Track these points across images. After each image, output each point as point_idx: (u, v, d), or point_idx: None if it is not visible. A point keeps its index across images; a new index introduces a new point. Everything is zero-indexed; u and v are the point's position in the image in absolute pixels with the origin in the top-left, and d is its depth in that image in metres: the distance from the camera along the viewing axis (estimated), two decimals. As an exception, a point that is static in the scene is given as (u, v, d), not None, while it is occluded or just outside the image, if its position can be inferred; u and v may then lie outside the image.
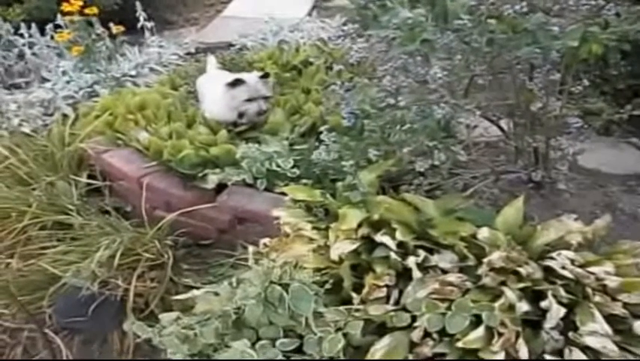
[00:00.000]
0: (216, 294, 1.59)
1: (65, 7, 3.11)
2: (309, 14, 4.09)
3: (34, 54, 3.53)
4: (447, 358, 1.37)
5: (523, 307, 1.38)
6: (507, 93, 1.62)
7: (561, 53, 1.61)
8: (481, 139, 2.40)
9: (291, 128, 2.35)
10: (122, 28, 3.33)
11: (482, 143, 2.45)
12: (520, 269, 1.42)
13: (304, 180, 1.97)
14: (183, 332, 1.44)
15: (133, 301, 1.76)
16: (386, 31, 1.23)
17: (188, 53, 3.86)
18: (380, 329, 1.48)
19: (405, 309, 1.46)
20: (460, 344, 1.34)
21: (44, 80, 3.35)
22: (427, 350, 1.39)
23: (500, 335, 1.33)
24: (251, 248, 1.70)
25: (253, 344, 1.45)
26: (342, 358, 1.37)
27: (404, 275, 1.55)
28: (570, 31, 1.28)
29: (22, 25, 3.51)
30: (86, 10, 3.12)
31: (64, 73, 3.34)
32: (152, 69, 3.58)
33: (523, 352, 1.31)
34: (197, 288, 1.71)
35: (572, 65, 1.88)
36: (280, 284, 1.48)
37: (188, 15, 4.68)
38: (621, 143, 2.62)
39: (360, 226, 1.64)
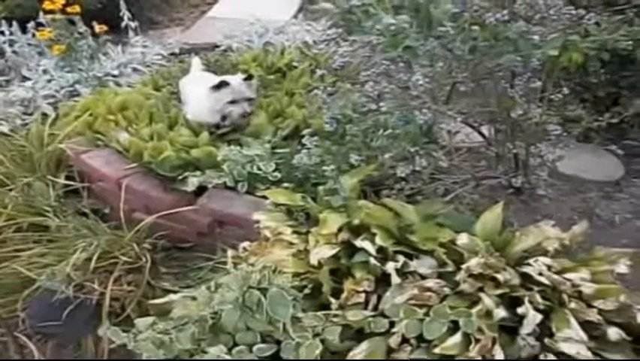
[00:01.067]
0: (194, 298, 1.57)
1: (47, 5, 3.07)
2: (295, 17, 4.08)
3: (14, 52, 3.48)
4: (424, 364, 1.37)
5: (501, 313, 1.39)
6: (488, 100, 1.63)
7: (542, 60, 1.62)
8: (463, 145, 2.42)
9: (273, 131, 2.33)
10: (104, 28, 3.29)
11: (464, 148, 2.46)
12: (498, 275, 1.43)
13: (286, 184, 1.96)
14: (159, 336, 1.42)
15: (109, 305, 1.73)
16: (369, 37, 1.22)
17: (172, 54, 3.83)
18: (358, 334, 1.48)
19: (383, 315, 1.46)
20: (437, 350, 1.34)
21: (25, 78, 3.30)
22: (404, 356, 1.39)
23: (477, 341, 1.34)
24: (230, 252, 1.68)
25: (230, 350, 1.43)
26: (319, 363, 1.36)
27: (383, 281, 1.55)
28: (550, 40, 1.29)
29: (3, 22, 3.46)
30: (68, 9, 3.08)
31: (45, 71, 3.30)
32: (135, 69, 3.55)
33: (500, 358, 1.31)
34: (175, 292, 1.69)
35: (552, 73, 1.90)
36: (259, 289, 1.47)
37: (173, 15, 4.65)
38: (600, 150, 2.65)
39: (340, 230, 1.63)
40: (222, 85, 2.25)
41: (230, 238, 2.01)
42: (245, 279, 1.45)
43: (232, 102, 2.26)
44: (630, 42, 2.31)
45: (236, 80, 2.32)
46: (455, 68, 1.49)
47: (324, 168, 1.56)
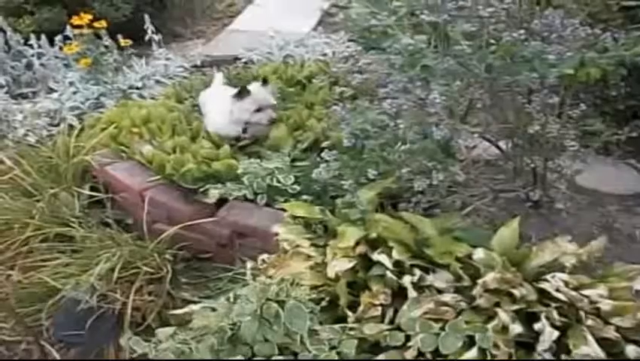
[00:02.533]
0: (213, 309, 1.61)
1: (75, 20, 3.16)
2: (315, 29, 4.13)
3: (42, 65, 3.59)
4: (440, 378, 1.38)
5: (517, 329, 1.39)
6: (506, 115, 1.64)
7: (559, 77, 1.63)
8: (481, 158, 2.42)
9: (293, 143, 2.37)
10: (129, 42, 3.38)
11: (482, 162, 2.47)
12: (514, 291, 1.43)
13: (305, 197, 1.99)
14: (179, 346, 1.45)
15: (130, 315, 1.77)
16: (387, 55, 1.25)
17: (194, 66, 3.91)
18: (374, 347, 1.49)
19: (399, 328, 1.47)
20: (452, 365, 1.35)
21: (51, 90, 3.40)
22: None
23: (493, 356, 1.34)
24: (249, 264, 1.71)
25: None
26: (335, 376, 1.38)
27: (400, 294, 1.57)
28: (567, 59, 1.30)
29: (32, 36, 3.57)
30: (95, 24, 3.17)
31: (71, 84, 3.39)
32: (158, 81, 3.62)
33: (516, 374, 1.32)
34: (195, 302, 1.73)
35: (570, 88, 1.91)
36: (277, 301, 1.50)
37: (195, 28, 4.74)
38: (620, 163, 2.62)
39: (357, 243, 1.65)
40: (244, 93, 2.29)
41: (250, 249, 2.04)
42: (263, 291, 1.48)
43: (258, 110, 2.30)
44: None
45: (255, 87, 2.36)
46: (474, 84, 1.51)
47: (342, 181, 1.58)
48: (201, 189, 2.06)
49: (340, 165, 1.59)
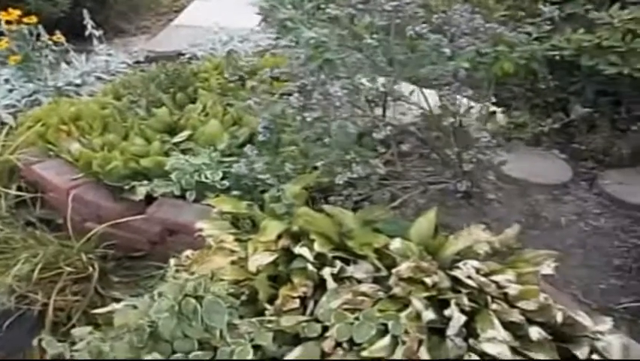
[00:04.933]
0: (135, 307, 1.59)
1: (4, 15, 3.06)
2: (259, 24, 4.11)
3: (-22, 62, 3.46)
4: (355, 367, 1.40)
5: (429, 315, 1.43)
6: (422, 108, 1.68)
7: (478, 70, 1.69)
8: (414, 151, 2.47)
9: (229, 139, 2.36)
10: (62, 37, 3.29)
11: (415, 154, 2.53)
12: (427, 279, 1.47)
13: (234, 192, 1.99)
14: (96, 345, 1.44)
15: (54, 316, 1.74)
16: (292, 49, 1.27)
17: (137, 62, 3.84)
18: (295, 339, 1.51)
19: (317, 320, 1.49)
20: (365, 353, 1.37)
21: (-13, 87, 3.28)
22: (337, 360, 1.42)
23: (405, 343, 1.38)
24: (172, 261, 1.71)
25: (168, 358, 1.46)
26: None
27: (321, 286, 1.59)
28: (464, 53, 1.35)
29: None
30: (25, 20, 3.07)
31: (6, 81, 3.29)
32: (99, 78, 3.55)
33: (425, 358, 1.35)
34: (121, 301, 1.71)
35: (491, 82, 1.97)
36: (195, 297, 1.49)
37: (140, 23, 4.66)
38: (550, 154, 2.72)
39: (280, 237, 1.67)
40: None
41: (181, 246, 2.02)
42: (181, 287, 1.47)
43: None
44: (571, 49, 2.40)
45: None
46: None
47: (260, 177, 1.59)
48: (127, 187, 2.03)
49: (259, 159, 1.59)
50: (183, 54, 3.73)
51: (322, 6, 1.26)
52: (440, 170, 2.29)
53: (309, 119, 1.41)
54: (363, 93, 1.40)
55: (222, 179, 2.02)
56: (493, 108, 2.04)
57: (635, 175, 2.51)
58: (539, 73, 2.73)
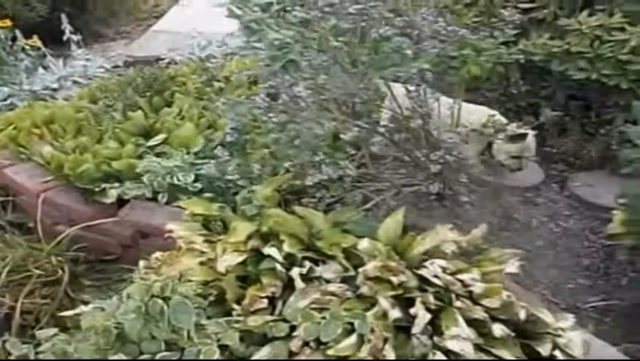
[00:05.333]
0: (103, 309, 1.58)
1: (-20, 19, 3.05)
2: (239, 29, 4.13)
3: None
4: (322, 366, 1.41)
5: (395, 314, 1.45)
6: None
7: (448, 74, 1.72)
8: (388, 153, 2.49)
9: (204, 142, 2.37)
10: (37, 42, 3.28)
11: (389, 157, 2.55)
12: (393, 278, 1.49)
13: (207, 194, 1.99)
14: (61, 347, 1.43)
15: (22, 319, 1.72)
16: (257, 51, 1.28)
17: (115, 67, 3.84)
18: (263, 339, 1.51)
19: (285, 319, 1.50)
20: (331, 352, 1.38)
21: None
22: (303, 359, 1.43)
23: (370, 341, 1.39)
24: (142, 263, 1.70)
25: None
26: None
27: (290, 287, 1.59)
28: (424, 55, 1.37)
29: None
30: (0, 23, 3.06)
31: (-18, 85, 3.26)
32: (76, 82, 3.54)
33: (391, 357, 1.36)
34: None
35: (462, 86, 2.01)
36: (163, 298, 1.49)
37: (119, 28, 4.65)
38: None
39: (250, 238, 1.67)
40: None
41: (154, 249, 2.01)
42: (148, 288, 1.47)
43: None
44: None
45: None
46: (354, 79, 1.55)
47: (230, 177, 1.60)
48: (98, 190, 2.02)
49: (229, 160, 1.60)
50: (162, 59, 3.74)
51: (288, 9, 1.27)
52: (413, 172, 2.32)
53: (274, 120, 1.42)
54: (330, 95, 1.42)
55: (195, 181, 2.03)
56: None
57: (604, 178, 2.56)
58: (512, 78, 2.79)
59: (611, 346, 1.56)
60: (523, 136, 2.24)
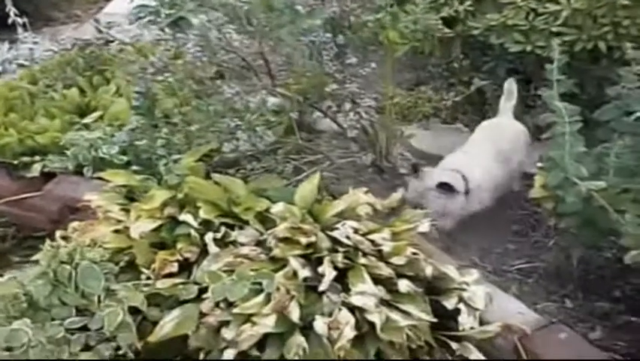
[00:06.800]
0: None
1: None
2: (191, 11, 4.09)
3: None
4: (230, 325, 1.41)
5: (305, 273, 1.46)
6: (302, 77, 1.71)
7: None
8: (330, 128, 2.49)
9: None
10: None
11: (328, 132, 2.56)
12: (302, 239, 1.50)
13: (134, 167, 1.98)
14: (-34, 316, 1.41)
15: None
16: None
17: (64, 49, 3.77)
18: (176, 303, 1.52)
19: (195, 282, 1.50)
20: (237, 310, 1.39)
21: None
22: (212, 320, 1.43)
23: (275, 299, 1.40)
24: (58, 233, 1.69)
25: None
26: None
27: (206, 252, 1.60)
28: (313, 11, 1.37)
29: None
30: None
31: None
32: (21, 65, 3.47)
33: (295, 314, 1.38)
34: (4, 276, 1.68)
35: (391, 58, 2.02)
36: (72, 264, 1.48)
37: (70, 12, 4.57)
38: (465, 131, 2.78)
39: (166, 205, 1.67)
40: None
41: (83, 223, 2.01)
42: (54, 254, 1.46)
43: None
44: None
45: None
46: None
47: (138, 143, 1.59)
48: (22, 164, 1.99)
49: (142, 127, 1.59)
50: (112, 41, 3.68)
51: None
52: (346, 143, 2.34)
53: (170, 79, 1.41)
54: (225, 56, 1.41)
55: (123, 154, 2.01)
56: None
57: (540, 148, 2.60)
58: (453, 53, 2.82)
59: (516, 300, 1.60)
60: None
